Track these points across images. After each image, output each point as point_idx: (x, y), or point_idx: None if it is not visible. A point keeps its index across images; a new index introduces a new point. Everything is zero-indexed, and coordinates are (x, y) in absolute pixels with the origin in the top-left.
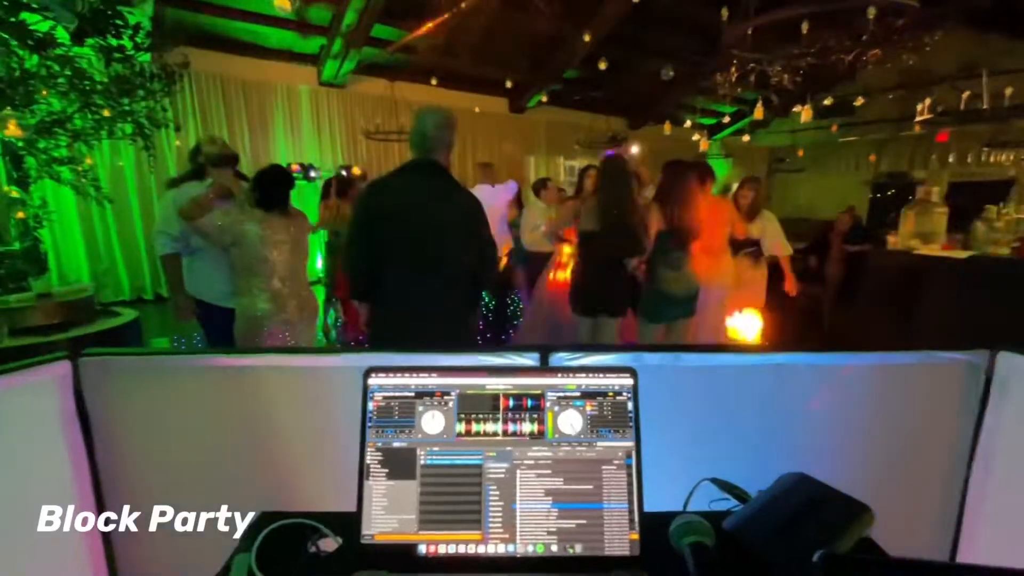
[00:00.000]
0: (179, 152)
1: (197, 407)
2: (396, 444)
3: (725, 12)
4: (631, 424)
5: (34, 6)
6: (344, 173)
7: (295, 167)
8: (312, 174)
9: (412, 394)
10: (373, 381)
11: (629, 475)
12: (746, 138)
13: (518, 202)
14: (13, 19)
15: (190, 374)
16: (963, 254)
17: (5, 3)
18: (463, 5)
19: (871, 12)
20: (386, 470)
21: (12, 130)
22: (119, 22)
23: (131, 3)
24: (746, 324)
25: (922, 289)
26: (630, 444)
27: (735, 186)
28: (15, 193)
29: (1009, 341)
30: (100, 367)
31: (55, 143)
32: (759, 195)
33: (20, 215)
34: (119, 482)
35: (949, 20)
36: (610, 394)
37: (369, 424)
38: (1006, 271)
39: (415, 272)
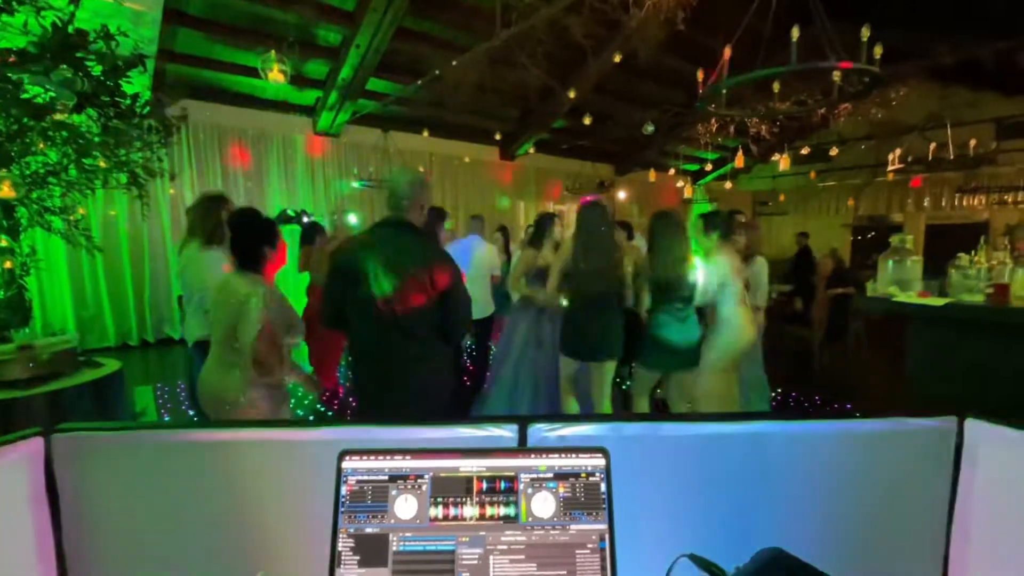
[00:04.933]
0: (173, 201)
1: (171, 484)
2: (368, 530)
3: (700, 73)
4: (604, 506)
5: (25, 79)
6: (306, 219)
7: (289, 212)
8: (305, 220)
9: (386, 478)
10: (347, 464)
11: (603, 559)
12: (728, 184)
13: (504, 252)
14: (11, 87)
15: (165, 449)
16: (940, 301)
17: (5, 72)
18: (454, 63)
19: (836, 75)
20: (358, 557)
21: (6, 191)
22: (117, 96)
23: (129, 71)
24: None
25: (906, 333)
26: (603, 527)
27: None
28: (4, 242)
29: (976, 408)
30: (73, 443)
31: (48, 193)
32: (753, 239)
33: (8, 264)
34: (86, 565)
35: (913, 76)
36: (583, 475)
37: (342, 510)
38: (981, 318)
39: (377, 322)
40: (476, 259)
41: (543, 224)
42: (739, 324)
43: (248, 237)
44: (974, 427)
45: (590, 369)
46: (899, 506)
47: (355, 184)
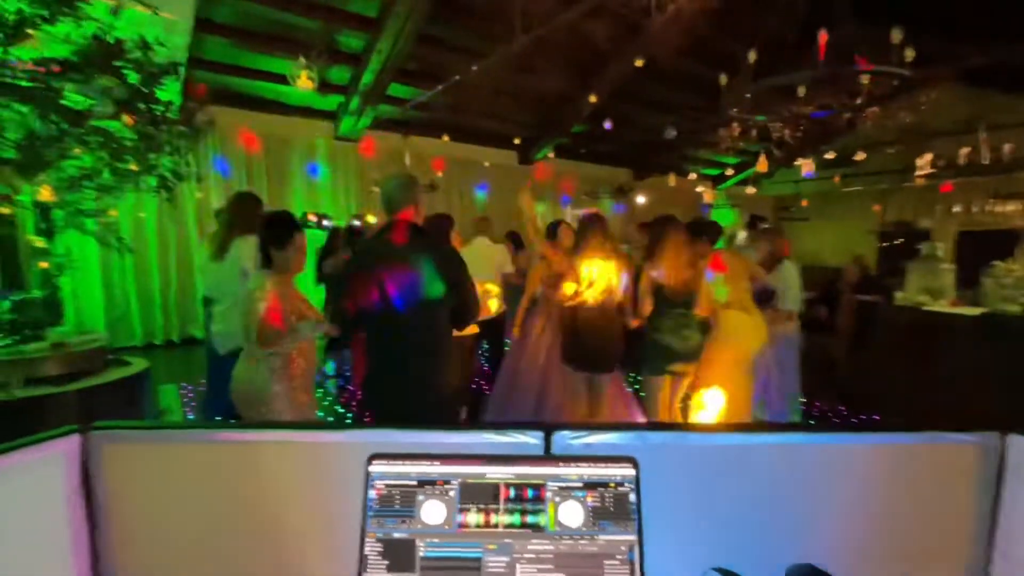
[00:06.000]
0: (200, 204)
1: (201, 484)
2: (396, 534)
3: (724, 78)
4: (633, 517)
5: (69, 87)
6: (326, 223)
7: (311, 216)
8: (325, 223)
9: (414, 483)
10: (375, 468)
11: (632, 571)
12: (750, 189)
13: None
14: (51, 94)
15: (197, 449)
16: (974, 311)
17: (47, 81)
18: (474, 68)
19: (864, 78)
20: (386, 562)
21: (45, 195)
22: (152, 103)
23: (163, 78)
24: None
25: (935, 344)
26: (632, 538)
27: (741, 234)
28: (40, 243)
29: (1018, 424)
30: (108, 441)
31: (82, 196)
32: (777, 247)
33: (44, 265)
34: (118, 561)
35: (945, 79)
36: (611, 484)
37: (370, 513)
38: (1020, 329)
39: (385, 318)
40: (484, 260)
41: (551, 232)
42: (736, 325)
43: (262, 238)
44: (1018, 443)
45: (595, 378)
46: (936, 524)
47: (374, 188)
